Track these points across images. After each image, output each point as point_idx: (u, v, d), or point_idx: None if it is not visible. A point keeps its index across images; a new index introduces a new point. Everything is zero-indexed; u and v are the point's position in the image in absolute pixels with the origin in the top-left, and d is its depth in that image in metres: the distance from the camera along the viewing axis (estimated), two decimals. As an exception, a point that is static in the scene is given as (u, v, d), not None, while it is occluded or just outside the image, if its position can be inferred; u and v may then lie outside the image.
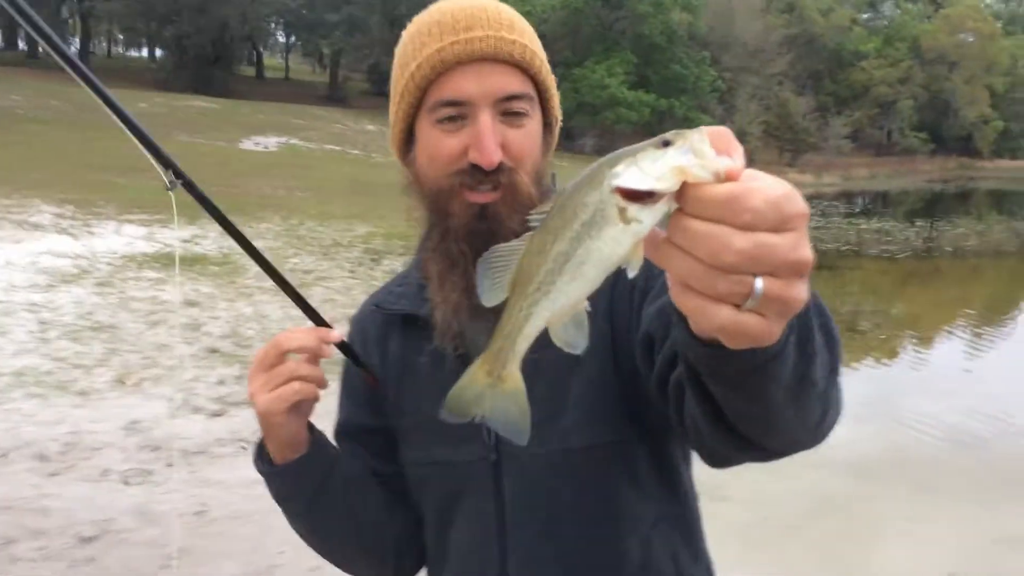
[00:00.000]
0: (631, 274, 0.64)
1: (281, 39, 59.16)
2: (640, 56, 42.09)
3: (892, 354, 9.44)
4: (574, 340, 0.72)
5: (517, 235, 1.09)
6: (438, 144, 1.17)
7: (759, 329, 0.62)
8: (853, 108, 57.34)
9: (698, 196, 0.60)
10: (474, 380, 0.81)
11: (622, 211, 0.61)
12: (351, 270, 10.78)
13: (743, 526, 4.66)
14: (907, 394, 7.68)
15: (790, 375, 0.75)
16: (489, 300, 0.72)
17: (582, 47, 40.90)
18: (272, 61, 64.48)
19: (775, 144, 45.33)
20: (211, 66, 42.11)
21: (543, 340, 1.12)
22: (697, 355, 0.74)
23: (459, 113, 1.15)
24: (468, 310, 1.18)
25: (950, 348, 9.98)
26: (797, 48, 53.84)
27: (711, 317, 0.62)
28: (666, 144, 0.61)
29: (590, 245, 0.63)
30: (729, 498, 4.76)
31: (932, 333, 10.80)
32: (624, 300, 1.19)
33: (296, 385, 1.17)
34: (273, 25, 51.89)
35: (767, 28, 49.71)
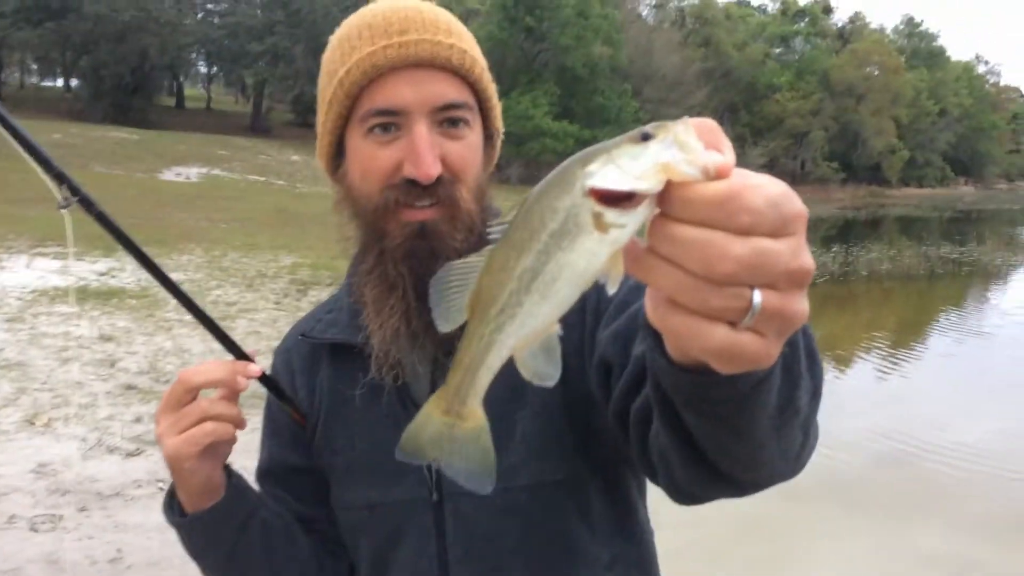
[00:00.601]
0: (611, 290, 0.56)
1: (202, 69, 58.17)
2: (564, 88, 42.73)
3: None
4: (544, 370, 0.62)
5: (459, 254, 1.04)
6: (371, 157, 1.08)
7: (757, 350, 0.55)
8: (768, 139, 59.15)
9: (687, 197, 0.52)
10: (430, 419, 0.69)
11: (598, 217, 0.52)
12: (276, 302, 10.53)
13: (671, 552, 4.61)
14: (830, 414, 7.84)
15: (775, 402, 0.68)
16: (445, 325, 0.62)
17: (507, 79, 41.30)
18: (193, 91, 63.38)
19: (696, 173, 46.36)
20: (129, 96, 41.16)
21: None
22: (675, 382, 0.66)
23: (393, 123, 1.07)
24: (408, 337, 1.10)
25: (870, 369, 10.28)
26: (714, 81, 55.53)
27: (704, 338, 0.54)
28: (646, 137, 0.53)
29: (562, 259, 0.54)
30: (658, 524, 4.76)
31: (852, 354, 11.11)
32: (574, 324, 1.09)
33: (208, 426, 1.07)
34: (194, 55, 51.03)
35: (685, 62, 51.12)
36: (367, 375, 1.14)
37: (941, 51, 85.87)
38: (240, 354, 1.15)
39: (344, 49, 1.09)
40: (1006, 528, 5.68)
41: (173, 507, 1.16)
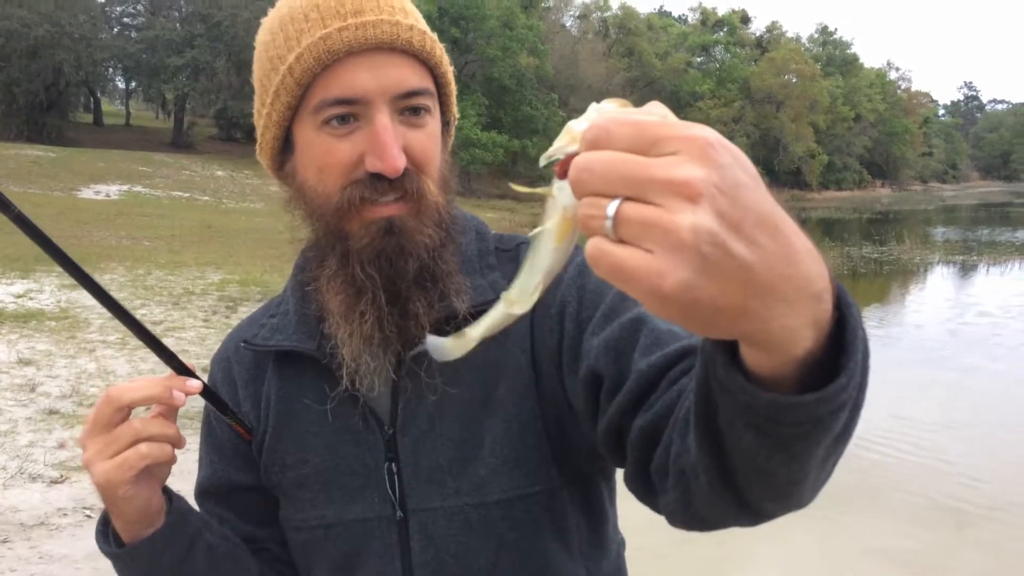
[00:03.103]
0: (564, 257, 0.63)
1: (120, 84, 56.60)
2: (491, 98, 42.87)
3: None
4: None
5: (428, 250, 1.02)
6: (328, 152, 0.98)
7: (639, 264, 0.51)
8: (694, 146, 60.06)
9: (586, 139, 0.55)
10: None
11: (548, 191, 0.61)
12: (205, 319, 10.26)
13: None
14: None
15: (838, 430, 0.63)
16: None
17: (434, 90, 41.08)
18: (111, 107, 61.64)
19: (624, 181, 47.11)
20: (44, 113, 39.71)
21: (449, 377, 1.06)
22: (748, 401, 0.61)
23: (351, 113, 0.97)
24: (381, 344, 1.02)
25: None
26: (639, 90, 56.34)
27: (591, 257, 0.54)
28: None
29: (541, 231, 0.63)
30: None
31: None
32: (550, 330, 1.04)
33: (143, 448, 0.97)
34: (111, 70, 49.61)
35: (609, 71, 51.88)
36: (319, 384, 1.08)
37: (854, 58, 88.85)
38: (178, 366, 1.04)
39: (289, 32, 0.99)
40: (941, 517, 5.84)
41: (108, 536, 1.06)
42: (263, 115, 1.04)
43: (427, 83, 1.02)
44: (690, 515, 0.81)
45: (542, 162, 0.61)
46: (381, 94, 0.97)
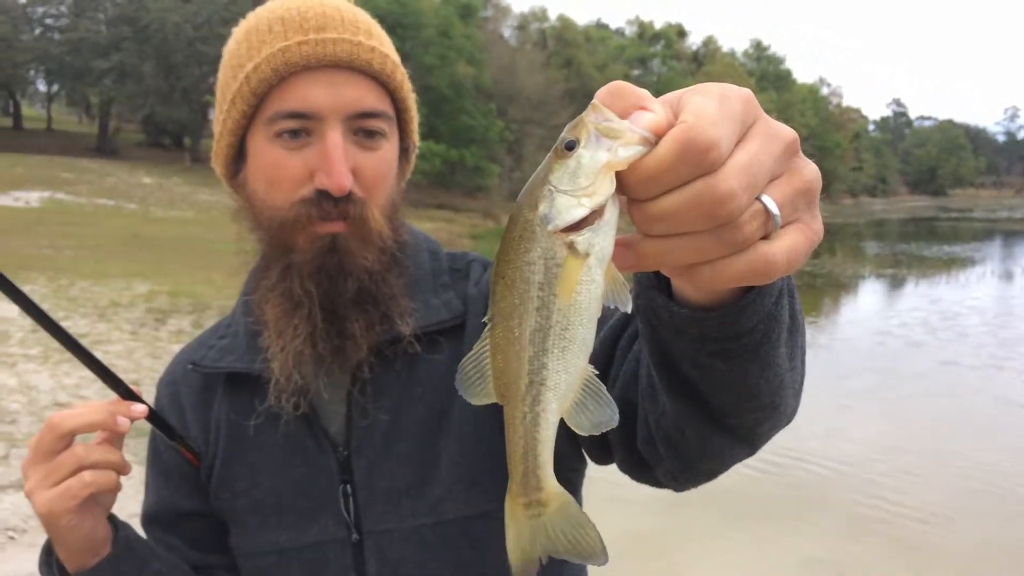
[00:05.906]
0: (628, 308, 0.53)
1: (42, 87, 54.64)
2: (429, 107, 42.65)
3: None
4: (599, 417, 0.56)
5: (369, 272, 1.01)
6: (277, 164, 0.99)
7: (807, 236, 0.52)
8: (631, 158, 60.97)
9: (646, 177, 0.49)
10: (517, 521, 0.64)
11: (571, 247, 0.51)
12: (132, 332, 9.83)
13: None
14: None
15: (787, 321, 0.66)
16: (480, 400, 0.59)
17: (371, 98, 40.72)
18: (32, 111, 59.61)
19: (562, 192, 47.39)
20: (-41, 116, 38.21)
21: (401, 397, 1.04)
22: (703, 330, 0.63)
23: (304, 128, 0.98)
24: (313, 361, 1.02)
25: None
26: (577, 101, 56.80)
27: (763, 270, 0.51)
28: (570, 146, 0.51)
29: (563, 304, 0.52)
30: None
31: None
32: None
33: (87, 476, 0.96)
34: (32, 72, 47.89)
35: (548, 82, 52.06)
36: (266, 403, 1.06)
37: (788, 74, 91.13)
38: (124, 390, 1.03)
39: (252, 42, 1.00)
40: (875, 529, 5.91)
41: (52, 566, 1.04)
42: (219, 122, 1.05)
43: (384, 106, 1.03)
44: (692, 473, 0.84)
45: (582, 214, 0.49)
46: (335, 111, 0.98)
